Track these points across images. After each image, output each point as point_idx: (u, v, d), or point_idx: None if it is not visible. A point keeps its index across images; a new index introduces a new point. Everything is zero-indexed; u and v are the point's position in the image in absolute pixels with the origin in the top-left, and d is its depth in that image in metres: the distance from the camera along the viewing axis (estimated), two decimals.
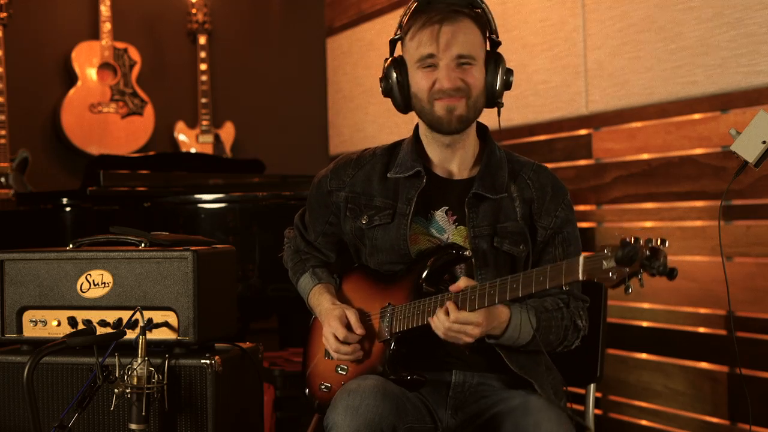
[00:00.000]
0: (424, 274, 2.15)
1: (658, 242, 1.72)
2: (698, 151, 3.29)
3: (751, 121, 2.13)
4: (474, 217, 2.18)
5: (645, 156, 3.48)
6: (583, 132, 3.74)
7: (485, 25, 2.21)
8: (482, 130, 2.29)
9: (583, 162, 3.75)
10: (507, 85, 2.22)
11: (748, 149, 2.13)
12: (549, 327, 2.13)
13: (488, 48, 2.23)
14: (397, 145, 2.34)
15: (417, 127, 2.30)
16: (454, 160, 2.25)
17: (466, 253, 2.13)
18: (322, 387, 2.27)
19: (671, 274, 1.72)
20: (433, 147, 2.26)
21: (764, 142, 2.11)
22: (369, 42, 5.02)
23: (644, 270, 1.74)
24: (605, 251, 1.78)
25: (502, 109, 2.23)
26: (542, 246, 2.21)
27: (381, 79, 2.24)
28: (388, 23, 4.84)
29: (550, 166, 3.86)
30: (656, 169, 3.44)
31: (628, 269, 1.74)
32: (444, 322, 2.04)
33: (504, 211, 2.19)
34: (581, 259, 1.83)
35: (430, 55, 2.15)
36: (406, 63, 2.21)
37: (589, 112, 3.66)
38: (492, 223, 2.18)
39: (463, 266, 2.17)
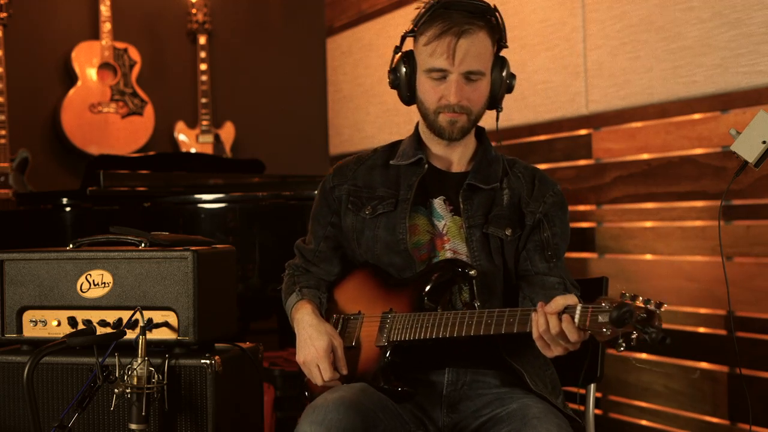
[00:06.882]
0: (427, 288, 2.16)
1: (655, 305, 1.73)
2: (698, 151, 3.28)
3: (751, 121, 2.13)
4: (468, 208, 2.23)
5: (645, 156, 3.48)
6: (583, 132, 3.74)
7: (497, 32, 2.23)
8: (479, 131, 2.35)
9: (583, 162, 3.75)
10: (509, 89, 2.29)
11: (748, 149, 2.13)
12: None
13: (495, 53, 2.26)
14: (398, 143, 2.40)
15: (418, 124, 2.35)
16: (452, 156, 2.32)
17: (472, 272, 2.14)
18: None
19: (663, 341, 1.73)
20: (433, 144, 2.33)
21: (764, 142, 2.11)
22: (369, 42, 5.02)
23: (636, 333, 1.74)
24: (603, 304, 1.77)
25: (502, 106, 2.30)
26: (530, 230, 2.24)
27: (389, 71, 2.28)
28: (388, 23, 4.83)
29: (550, 166, 3.90)
30: (656, 169, 3.44)
31: (620, 330, 1.75)
32: (555, 327, 1.88)
33: (495, 201, 2.25)
34: (579, 308, 1.82)
35: (442, 69, 2.18)
36: (417, 62, 2.24)
37: (589, 112, 3.66)
38: (485, 213, 2.23)
39: (474, 283, 2.17)
